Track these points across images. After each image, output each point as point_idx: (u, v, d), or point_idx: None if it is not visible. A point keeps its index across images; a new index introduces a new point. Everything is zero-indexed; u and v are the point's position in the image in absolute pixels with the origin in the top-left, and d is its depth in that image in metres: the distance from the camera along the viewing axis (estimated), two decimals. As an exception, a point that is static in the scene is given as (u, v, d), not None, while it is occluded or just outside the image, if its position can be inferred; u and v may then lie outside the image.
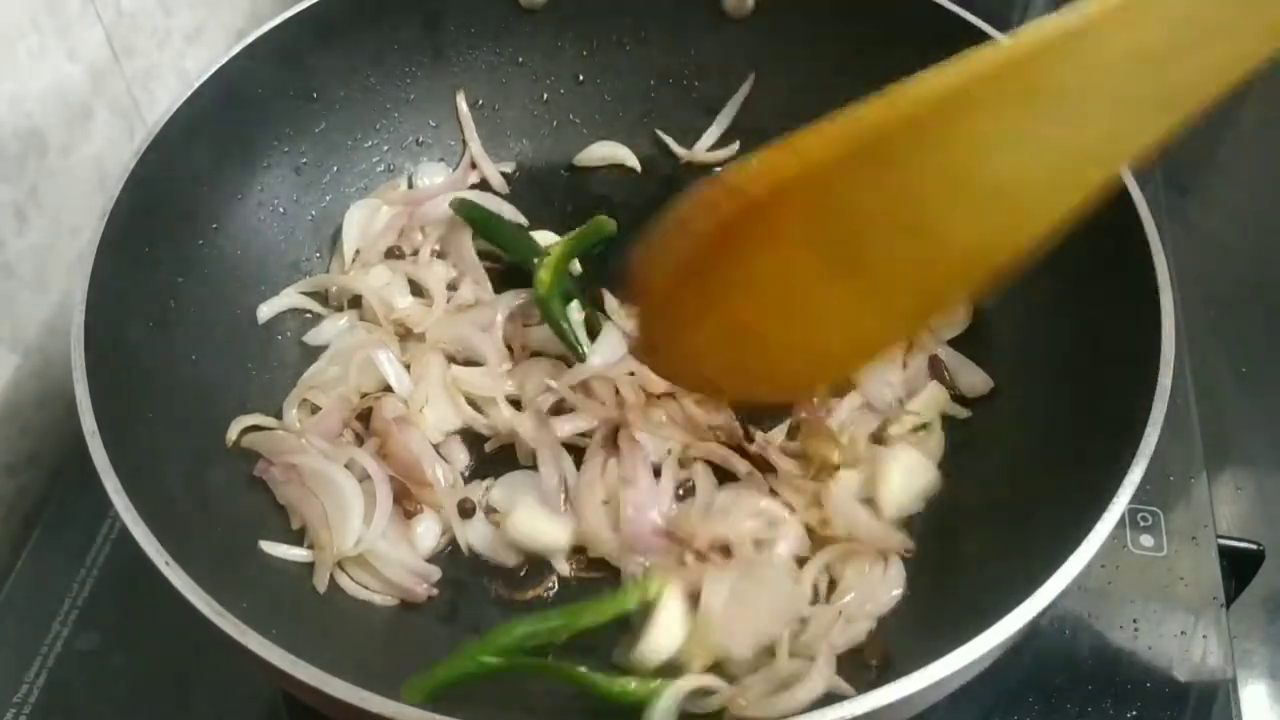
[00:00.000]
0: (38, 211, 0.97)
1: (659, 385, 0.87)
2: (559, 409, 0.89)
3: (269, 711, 0.84)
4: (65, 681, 0.85)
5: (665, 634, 0.75)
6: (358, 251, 1.01)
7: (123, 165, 0.83)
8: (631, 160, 1.11)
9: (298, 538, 0.84)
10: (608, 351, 0.91)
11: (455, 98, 1.09)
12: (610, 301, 0.96)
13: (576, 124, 1.13)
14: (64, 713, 0.84)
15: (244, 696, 0.84)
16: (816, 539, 0.83)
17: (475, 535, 0.84)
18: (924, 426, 0.89)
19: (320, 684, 0.59)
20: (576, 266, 0.99)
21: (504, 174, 1.11)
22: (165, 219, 0.88)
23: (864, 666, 0.75)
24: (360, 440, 0.88)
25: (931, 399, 0.90)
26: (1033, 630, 0.64)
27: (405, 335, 0.96)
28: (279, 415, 0.91)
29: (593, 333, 0.93)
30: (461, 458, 0.90)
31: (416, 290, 1.00)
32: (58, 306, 1.02)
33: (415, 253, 1.02)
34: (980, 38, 0.93)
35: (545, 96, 1.12)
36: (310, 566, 0.82)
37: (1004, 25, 0.93)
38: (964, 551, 0.81)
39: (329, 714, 0.62)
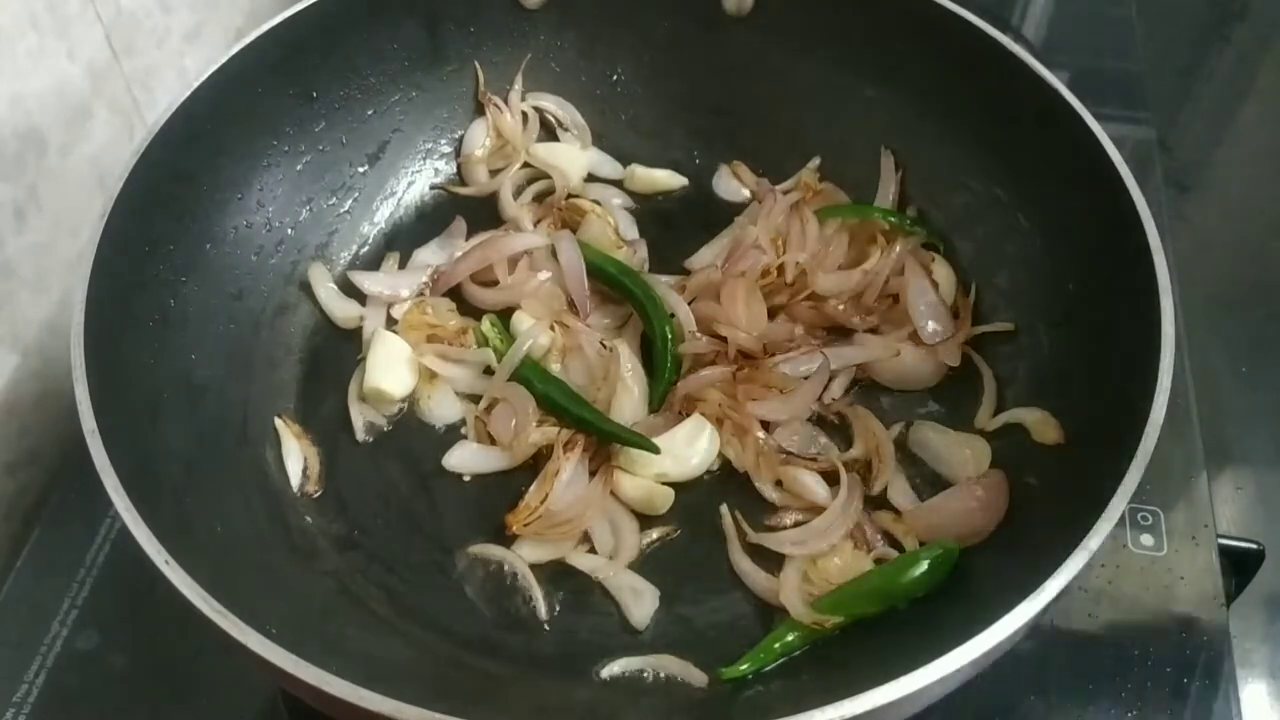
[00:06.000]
0: (37, 211, 0.97)
1: None
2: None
3: (269, 711, 0.84)
4: (65, 681, 0.85)
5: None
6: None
7: (123, 165, 0.83)
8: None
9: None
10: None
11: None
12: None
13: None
14: (64, 713, 0.84)
15: (244, 696, 0.84)
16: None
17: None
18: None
19: (320, 683, 0.59)
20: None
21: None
22: (165, 219, 0.88)
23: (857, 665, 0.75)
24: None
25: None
26: (1033, 630, 0.64)
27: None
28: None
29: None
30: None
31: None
32: (58, 306, 1.02)
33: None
34: (980, 37, 0.93)
35: (546, 96, 1.13)
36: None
37: (1004, 25, 0.93)
38: (966, 550, 0.81)
39: (329, 713, 0.62)
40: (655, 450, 0.86)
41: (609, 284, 0.98)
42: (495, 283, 1.00)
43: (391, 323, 0.99)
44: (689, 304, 0.96)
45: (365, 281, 1.00)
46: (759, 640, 0.78)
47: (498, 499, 0.88)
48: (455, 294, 1.00)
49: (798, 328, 0.96)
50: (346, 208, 1.04)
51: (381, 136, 1.06)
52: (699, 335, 0.94)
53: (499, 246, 1.00)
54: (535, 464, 0.89)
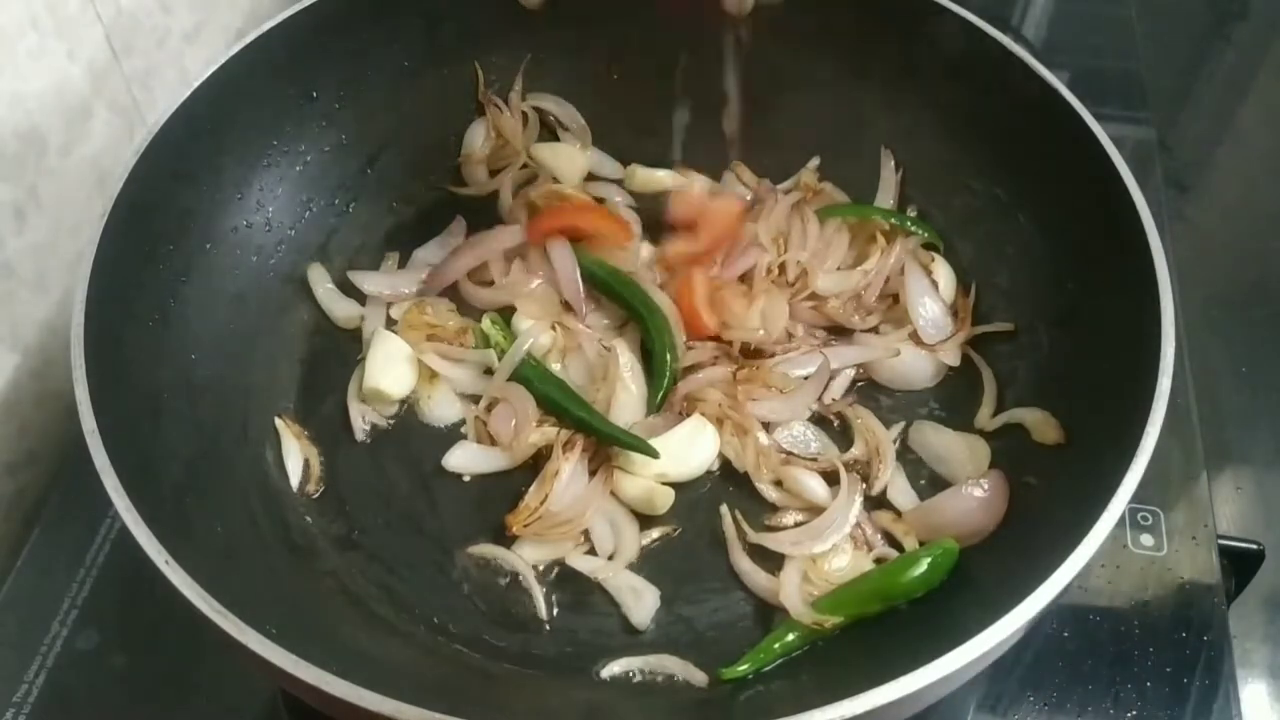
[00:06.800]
0: (37, 211, 0.97)
1: None
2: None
3: (269, 711, 0.84)
4: (65, 681, 0.85)
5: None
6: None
7: (123, 165, 0.83)
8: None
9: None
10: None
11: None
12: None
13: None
14: (64, 712, 0.84)
15: (244, 696, 0.84)
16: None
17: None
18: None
19: (320, 683, 0.59)
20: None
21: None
22: (165, 219, 0.88)
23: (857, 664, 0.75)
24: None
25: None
26: (1033, 630, 0.64)
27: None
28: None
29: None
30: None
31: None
32: (58, 306, 1.02)
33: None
34: (980, 37, 0.93)
35: (547, 96, 1.13)
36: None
37: (1004, 25, 0.93)
38: (966, 550, 0.81)
39: (329, 713, 0.62)
40: (654, 454, 0.86)
41: (603, 291, 0.98)
42: (492, 282, 1.00)
43: (391, 323, 0.99)
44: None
45: (365, 281, 1.00)
46: (759, 640, 0.78)
47: (498, 499, 0.88)
48: (454, 294, 1.00)
49: (798, 328, 0.96)
50: (346, 208, 1.04)
51: (381, 136, 1.06)
52: (691, 344, 0.95)
53: (489, 242, 1.00)
54: (535, 464, 0.89)
